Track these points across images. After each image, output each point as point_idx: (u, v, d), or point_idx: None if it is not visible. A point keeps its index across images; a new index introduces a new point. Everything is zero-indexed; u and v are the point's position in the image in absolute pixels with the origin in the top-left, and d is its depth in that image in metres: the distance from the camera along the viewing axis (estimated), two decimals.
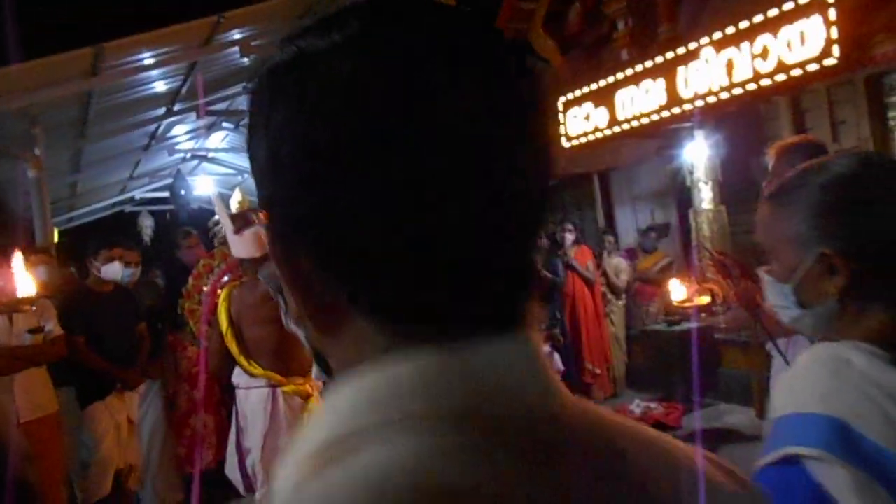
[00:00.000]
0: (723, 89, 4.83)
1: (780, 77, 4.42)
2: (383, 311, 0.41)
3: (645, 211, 7.69)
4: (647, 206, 7.66)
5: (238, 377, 3.29)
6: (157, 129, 8.69)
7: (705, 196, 5.69)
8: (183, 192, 9.95)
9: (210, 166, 11.33)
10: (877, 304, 0.92)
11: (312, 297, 0.43)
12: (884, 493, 0.76)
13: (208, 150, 10.47)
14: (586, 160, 6.94)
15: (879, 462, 0.78)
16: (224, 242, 3.85)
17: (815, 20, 4.23)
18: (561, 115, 6.08)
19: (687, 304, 4.45)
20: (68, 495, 3.79)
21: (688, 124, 5.49)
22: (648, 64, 5.42)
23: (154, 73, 6.53)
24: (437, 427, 0.37)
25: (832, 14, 4.16)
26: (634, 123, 5.59)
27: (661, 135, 5.93)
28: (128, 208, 12.80)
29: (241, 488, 3.25)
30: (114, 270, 3.90)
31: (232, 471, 3.25)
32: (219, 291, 3.35)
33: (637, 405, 5.59)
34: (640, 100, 5.50)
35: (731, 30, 4.75)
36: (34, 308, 3.39)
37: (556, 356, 5.27)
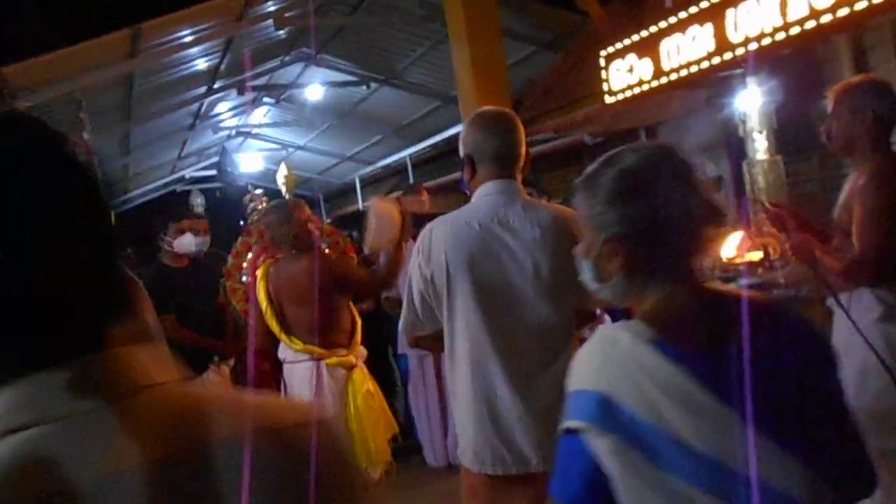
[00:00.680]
0: (776, 30, 4.51)
1: (843, 11, 4.06)
2: None
3: (696, 165, 7.46)
4: (698, 160, 7.40)
5: (283, 352, 3.32)
6: (199, 107, 8.81)
7: (760, 146, 5.45)
8: (229, 168, 10.11)
9: (255, 142, 11.48)
10: (654, 282, 1.09)
11: None
12: (636, 454, 0.97)
13: (252, 126, 10.60)
14: (632, 115, 6.70)
15: (634, 429, 0.97)
16: (261, 219, 3.85)
17: None
18: (603, 70, 5.87)
19: (737, 261, 4.24)
20: None
21: (739, 71, 5.22)
22: (693, 9, 5.14)
23: (192, 51, 6.59)
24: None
25: None
26: (682, 73, 5.34)
27: (710, 84, 5.67)
28: (179, 188, 13.14)
29: None
30: (187, 242, 3.88)
31: None
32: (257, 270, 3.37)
33: None
34: (687, 48, 5.24)
35: None
36: None
37: (607, 317, 5.16)
